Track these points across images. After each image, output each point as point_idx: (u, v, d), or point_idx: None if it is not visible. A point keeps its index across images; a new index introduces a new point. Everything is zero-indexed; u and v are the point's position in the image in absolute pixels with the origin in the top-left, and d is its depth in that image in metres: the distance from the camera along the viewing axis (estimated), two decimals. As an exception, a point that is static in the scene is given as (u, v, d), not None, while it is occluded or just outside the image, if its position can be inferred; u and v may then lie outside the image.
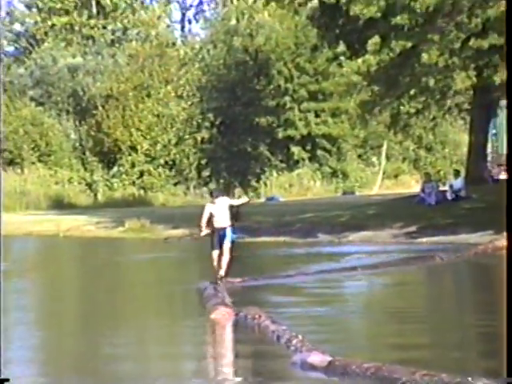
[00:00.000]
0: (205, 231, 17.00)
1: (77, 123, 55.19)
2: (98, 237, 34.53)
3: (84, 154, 54.22)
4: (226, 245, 16.80)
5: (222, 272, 16.82)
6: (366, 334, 12.79)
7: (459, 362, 9.91)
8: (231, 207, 17.04)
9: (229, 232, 16.84)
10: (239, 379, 9.72)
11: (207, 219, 16.88)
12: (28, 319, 14.80)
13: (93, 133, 53.85)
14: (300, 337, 10.58)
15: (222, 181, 52.13)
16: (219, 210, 16.88)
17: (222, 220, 16.88)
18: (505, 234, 25.87)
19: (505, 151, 40.19)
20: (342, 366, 9.20)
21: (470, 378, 8.13)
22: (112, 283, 19.79)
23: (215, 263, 16.94)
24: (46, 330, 13.87)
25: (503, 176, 38.68)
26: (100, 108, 53.41)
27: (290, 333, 10.92)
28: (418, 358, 9.96)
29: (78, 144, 54.75)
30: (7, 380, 6.89)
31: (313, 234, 29.90)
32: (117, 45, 61.35)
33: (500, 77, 28.81)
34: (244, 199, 18.03)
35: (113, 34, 64.52)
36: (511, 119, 16.16)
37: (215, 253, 16.90)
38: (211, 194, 17.83)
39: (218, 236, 16.84)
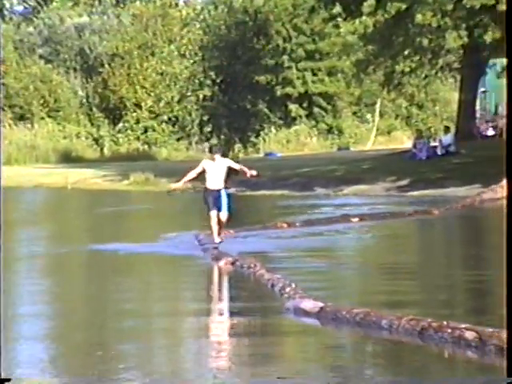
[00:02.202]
0: (178, 184, 15.29)
1: (84, 80, 54.90)
2: (104, 189, 34.55)
3: (91, 110, 54.02)
4: (223, 214, 14.68)
5: (216, 239, 14.83)
6: (357, 285, 12.75)
7: (447, 309, 9.90)
8: (229, 169, 14.76)
9: (224, 197, 14.68)
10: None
11: (197, 175, 14.82)
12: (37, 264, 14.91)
13: (99, 90, 53.63)
14: (293, 285, 10.59)
15: (222, 136, 52.02)
16: (216, 170, 14.64)
17: (217, 181, 14.71)
18: (493, 186, 25.90)
19: (495, 110, 40.02)
20: (332, 311, 9.20)
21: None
22: (118, 230, 19.78)
23: (215, 225, 14.68)
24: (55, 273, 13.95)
25: (491, 132, 38.62)
26: (106, 66, 53.12)
27: (284, 281, 10.93)
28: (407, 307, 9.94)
29: (85, 100, 54.52)
30: (8, 380, 6.81)
31: (309, 187, 29.88)
32: (121, 5, 60.78)
33: (490, 36, 28.63)
34: (241, 167, 14.96)
35: (118, -6, 63.83)
36: (511, 79, 15.98)
37: (213, 213, 14.63)
38: (210, 149, 15.36)
39: (212, 197, 14.64)
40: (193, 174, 14.88)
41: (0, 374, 7.21)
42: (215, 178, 14.68)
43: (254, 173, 14.80)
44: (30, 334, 9.13)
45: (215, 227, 14.71)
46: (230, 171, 14.97)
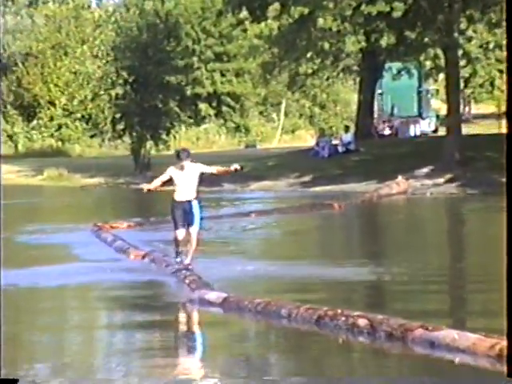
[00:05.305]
0: (147, 186, 12.62)
1: (-3, 78, 53.73)
2: (19, 184, 33.91)
3: (5, 107, 52.92)
4: (194, 229, 11.98)
5: (188, 260, 12.02)
6: (258, 275, 12.79)
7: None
8: (201, 174, 12.04)
9: (196, 208, 12.00)
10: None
11: (162, 183, 12.24)
12: None
13: (13, 88, 52.65)
14: (196, 277, 10.64)
15: (134, 134, 51.62)
16: (186, 179, 11.93)
17: (188, 191, 11.98)
18: (389, 182, 26.42)
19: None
20: (235, 301, 9.26)
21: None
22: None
23: (178, 247, 12.14)
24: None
25: (387, 131, 39.39)
26: (20, 65, 52.17)
27: (188, 273, 10.98)
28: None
29: (-2, 98, 53.36)
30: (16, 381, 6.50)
31: (218, 183, 29.89)
32: (34, 6, 59.68)
33: (385, 41, 29.24)
34: (217, 168, 12.58)
35: (32, -5, 62.55)
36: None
37: (180, 232, 12.05)
38: (178, 155, 12.08)
39: (181, 211, 12.00)
40: (158, 182, 12.30)
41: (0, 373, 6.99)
42: (186, 188, 11.97)
43: (238, 167, 12.23)
44: None
45: (177, 247, 12.18)
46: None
